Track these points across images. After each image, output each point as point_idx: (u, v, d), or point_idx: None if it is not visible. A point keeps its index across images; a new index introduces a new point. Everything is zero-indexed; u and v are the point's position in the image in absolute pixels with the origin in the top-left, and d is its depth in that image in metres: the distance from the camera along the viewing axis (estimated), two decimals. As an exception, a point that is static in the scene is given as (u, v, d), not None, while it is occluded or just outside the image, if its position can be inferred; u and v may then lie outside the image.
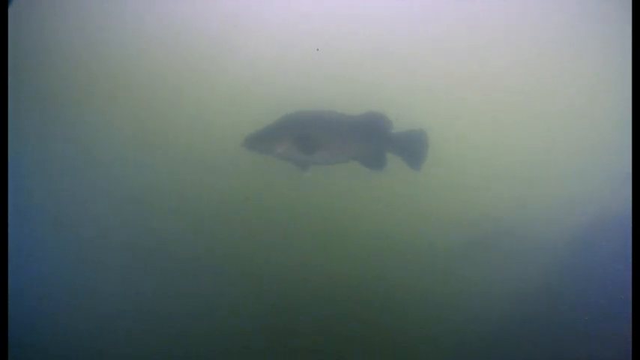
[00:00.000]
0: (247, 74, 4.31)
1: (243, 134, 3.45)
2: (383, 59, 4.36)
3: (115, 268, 4.12)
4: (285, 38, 4.29)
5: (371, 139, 3.52)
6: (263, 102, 4.00)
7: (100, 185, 4.29)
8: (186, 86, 4.38)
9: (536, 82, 4.50)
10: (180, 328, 3.98)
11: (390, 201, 4.40)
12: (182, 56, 4.35)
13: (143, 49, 4.35)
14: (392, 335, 3.93)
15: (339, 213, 4.32)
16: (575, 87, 4.48)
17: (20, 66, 3.99)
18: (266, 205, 4.30)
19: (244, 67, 4.31)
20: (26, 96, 4.18)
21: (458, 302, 4.02)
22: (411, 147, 3.57)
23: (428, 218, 4.34)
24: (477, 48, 4.39)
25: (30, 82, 4.23)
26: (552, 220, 4.34)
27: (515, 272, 4.13)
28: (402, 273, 4.17)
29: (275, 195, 4.28)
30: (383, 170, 3.54)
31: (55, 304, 3.99)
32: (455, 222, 4.35)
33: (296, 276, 4.09)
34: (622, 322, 3.36)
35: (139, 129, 4.38)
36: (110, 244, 4.17)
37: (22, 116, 4.19)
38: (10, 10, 2.41)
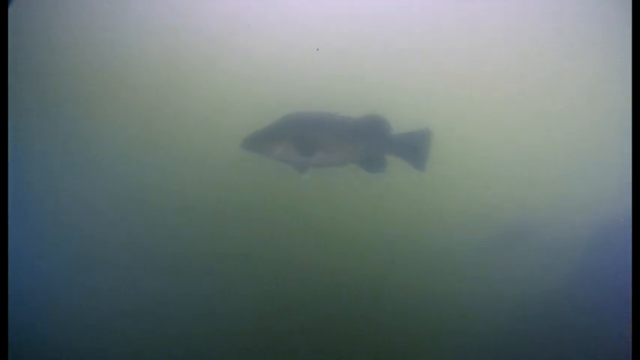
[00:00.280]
0: (247, 74, 4.30)
1: (243, 134, 3.46)
2: (383, 59, 4.36)
3: (116, 268, 4.12)
4: (285, 38, 4.28)
5: (372, 140, 3.51)
6: (263, 102, 4.00)
7: (101, 185, 4.29)
8: (186, 86, 4.38)
9: (537, 82, 4.49)
10: (181, 328, 3.98)
11: (392, 201, 4.39)
12: (181, 56, 4.35)
13: (142, 48, 4.35)
14: (394, 336, 3.93)
15: (341, 213, 4.31)
16: (575, 87, 4.47)
17: (20, 66, 3.99)
18: (267, 205, 4.30)
19: (244, 67, 4.30)
20: (26, 96, 4.18)
21: (462, 303, 4.02)
22: (416, 147, 3.56)
23: (431, 219, 4.34)
24: (477, 48, 4.39)
25: (30, 82, 4.23)
26: (558, 220, 4.33)
27: (521, 273, 4.13)
28: (405, 274, 4.16)
29: (276, 194, 4.27)
30: (385, 171, 3.54)
31: (55, 304, 3.99)
32: (458, 223, 4.35)
33: (297, 276, 4.08)
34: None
35: (138, 129, 4.38)
36: (110, 244, 4.17)
37: (22, 116, 4.19)
38: (10, 10, 2.41)
